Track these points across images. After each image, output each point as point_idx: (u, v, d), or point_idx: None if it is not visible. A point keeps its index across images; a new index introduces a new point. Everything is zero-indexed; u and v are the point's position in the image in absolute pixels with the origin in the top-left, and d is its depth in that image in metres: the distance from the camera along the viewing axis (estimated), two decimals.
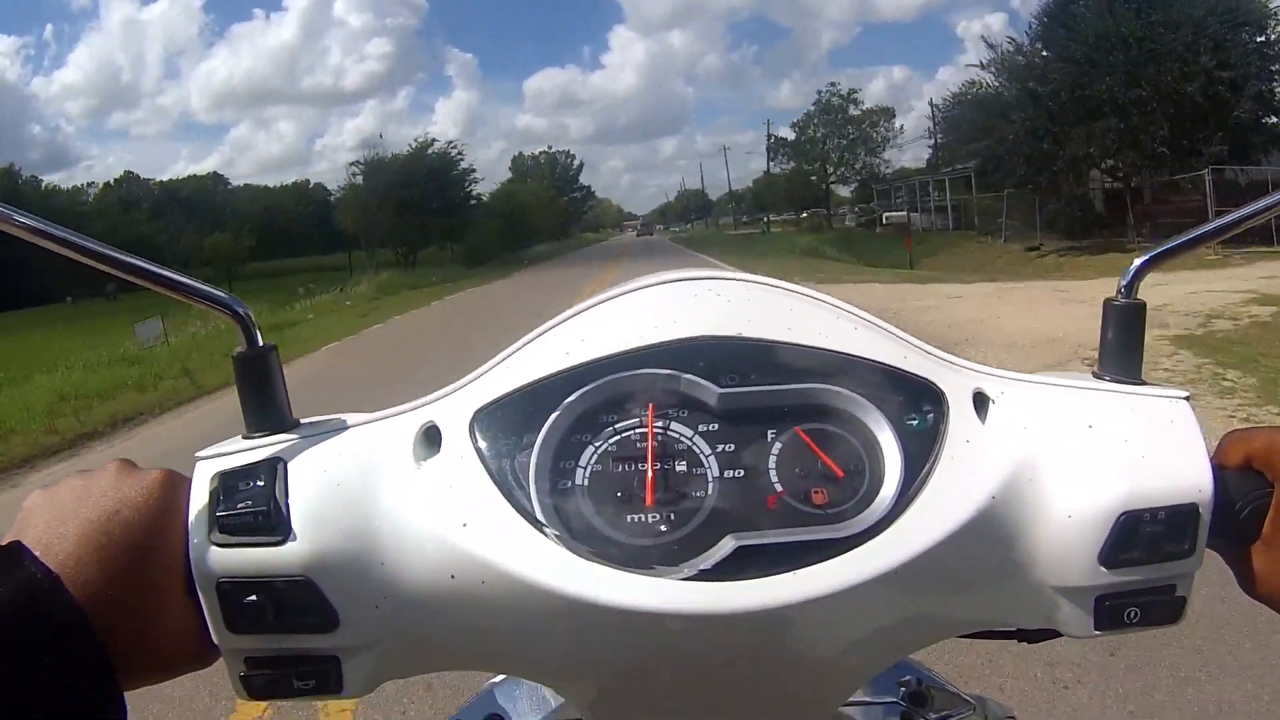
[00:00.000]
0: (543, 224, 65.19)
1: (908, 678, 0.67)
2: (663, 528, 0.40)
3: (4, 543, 0.39)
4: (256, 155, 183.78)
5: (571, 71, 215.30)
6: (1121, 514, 0.42)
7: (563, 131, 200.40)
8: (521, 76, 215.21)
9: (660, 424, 0.43)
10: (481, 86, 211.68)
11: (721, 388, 0.43)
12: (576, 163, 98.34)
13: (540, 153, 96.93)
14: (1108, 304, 0.48)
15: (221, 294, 0.45)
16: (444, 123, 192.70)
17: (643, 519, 0.40)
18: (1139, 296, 0.48)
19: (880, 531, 0.40)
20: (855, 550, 0.39)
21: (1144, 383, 0.47)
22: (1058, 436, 0.44)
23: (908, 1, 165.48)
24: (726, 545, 0.39)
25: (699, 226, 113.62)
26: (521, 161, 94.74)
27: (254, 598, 0.40)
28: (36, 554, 0.38)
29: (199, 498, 0.42)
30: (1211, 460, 0.44)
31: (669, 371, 0.44)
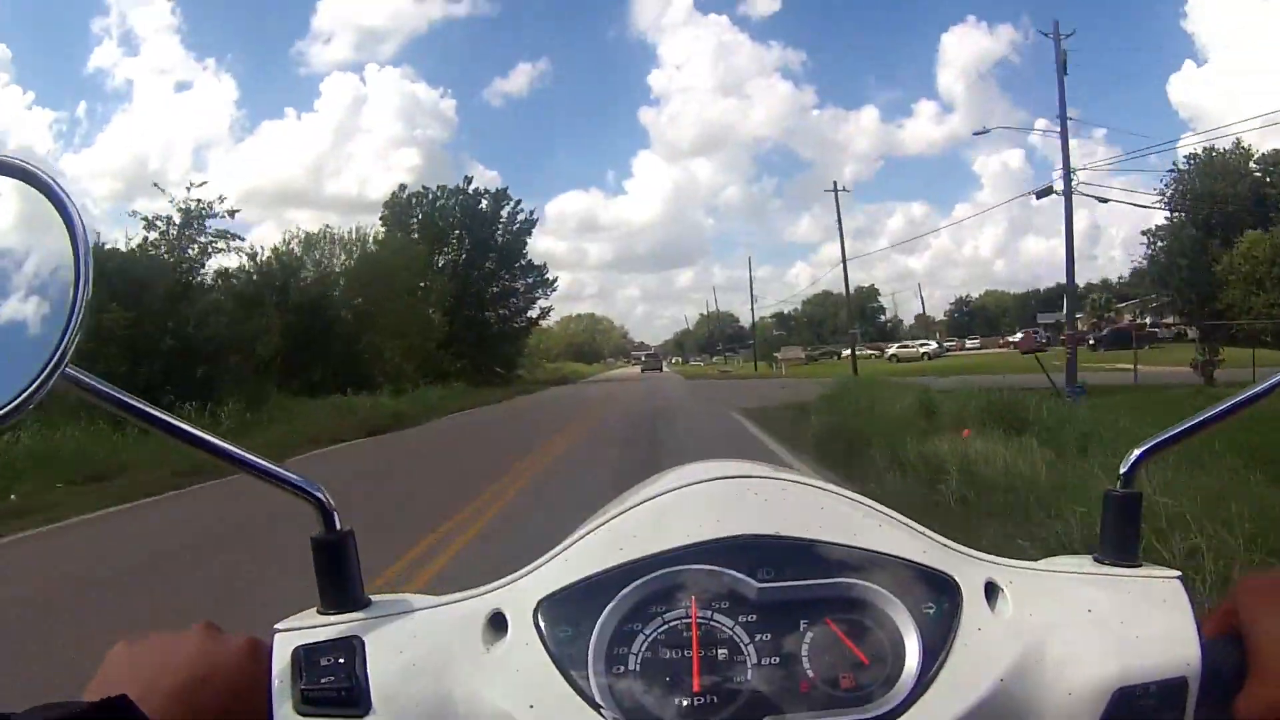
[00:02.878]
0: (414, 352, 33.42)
1: None
2: (707, 710, 0.44)
3: (100, 687, 0.43)
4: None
5: (594, 195, 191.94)
6: (1116, 690, 0.45)
7: (582, 256, 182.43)
8: (543, 198, 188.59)
9: (704, 614, 0.47)
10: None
11: (760, 582, 0.47)
12: (520, 215, 48.04)
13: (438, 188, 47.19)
14: (1108, 494, 0.53)
15: (302, 481, 0.50)
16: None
17: (690, 702, 0.45)
18: (1136, 487, 0.53)
19: (902, 713, 0.44)
20: None
21: (1139, 564, 0.52)
22: (1060, 621, 0.48)
23: (932, 136, 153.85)
24: None
25: (732, 362, 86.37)
26: (400, 205, 45.73)
27: None
28: (139, 707, 0.41)
29: (281, 668, 0.46)
30: (1199, 633, 0.47)
31: (712, 568, 0.48)
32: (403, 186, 47.22)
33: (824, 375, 40.51)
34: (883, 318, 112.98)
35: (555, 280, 49.58)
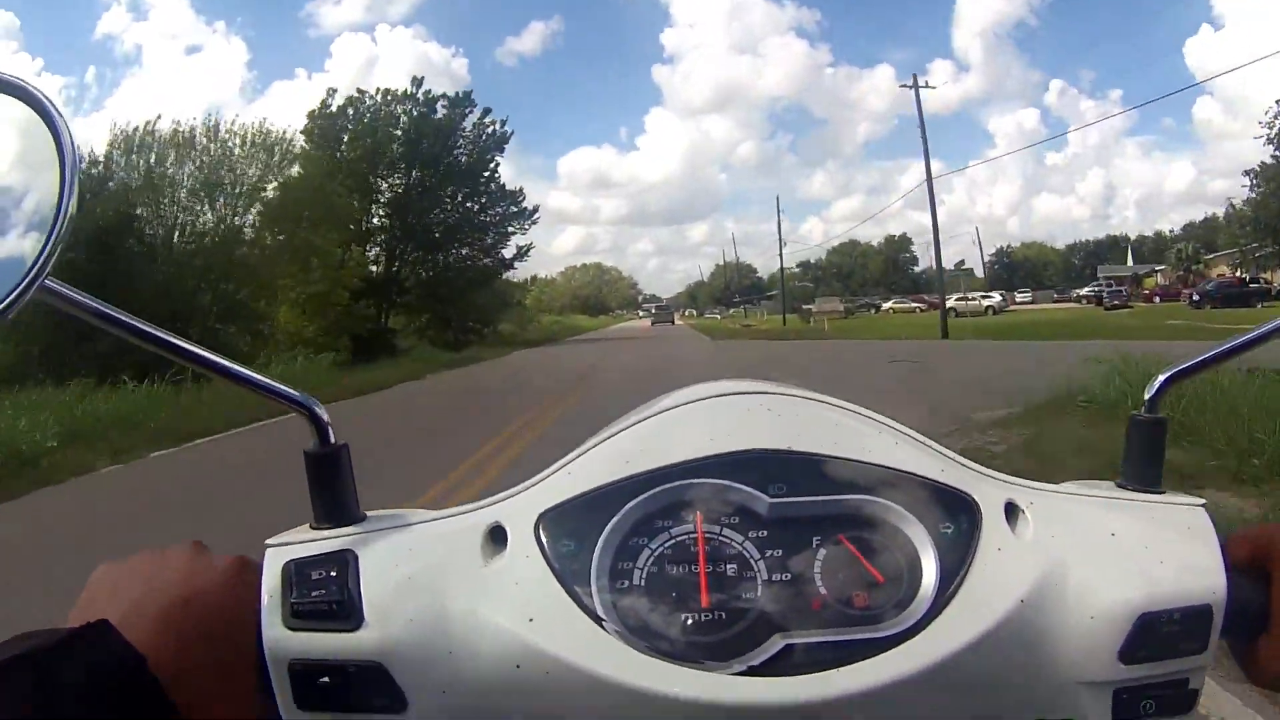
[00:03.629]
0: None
1: None
2: (715, 626, 0.43)
3: (82, 613, 0.42)
4: None
5: (607, 151, 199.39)
6: (1140, 615, 0.45)
7: (595, 212, 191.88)
8: (556, 155, 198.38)
9: (713, 529, 0.45)
10: (517, 160, 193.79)
11: (771, 497, 0.46)
12: (490, 128, 35.73)
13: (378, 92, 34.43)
14: (1133, 418, 0.52)
15: (296, 394, 0.49)
16: None
17: (696, 618, 0.43)
18: (1161, 413, 0.52)
19: (917, 633, 0.43)
20: (894, 650, 0.42)
21: (1163, 491, 0.51)
22: (1082, 544, 0.47)
23: (947, 96, 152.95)
24: (774, 644, 0.42)
25: (753, 315, 75.16)
26: (328, 118, 32.74)
27: (326, 679, 0.44)
28: (121, 632, 0.40)
29: (271, 584, 0.45)
30: (1225, 562, 0.47)
31: (722, 482, 0.47)
32: (331, 91, 34.81)
33: (881, 333, 30.44)
34: (915, 269, 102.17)
35: (535, 211, 37.40)
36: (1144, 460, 0.52)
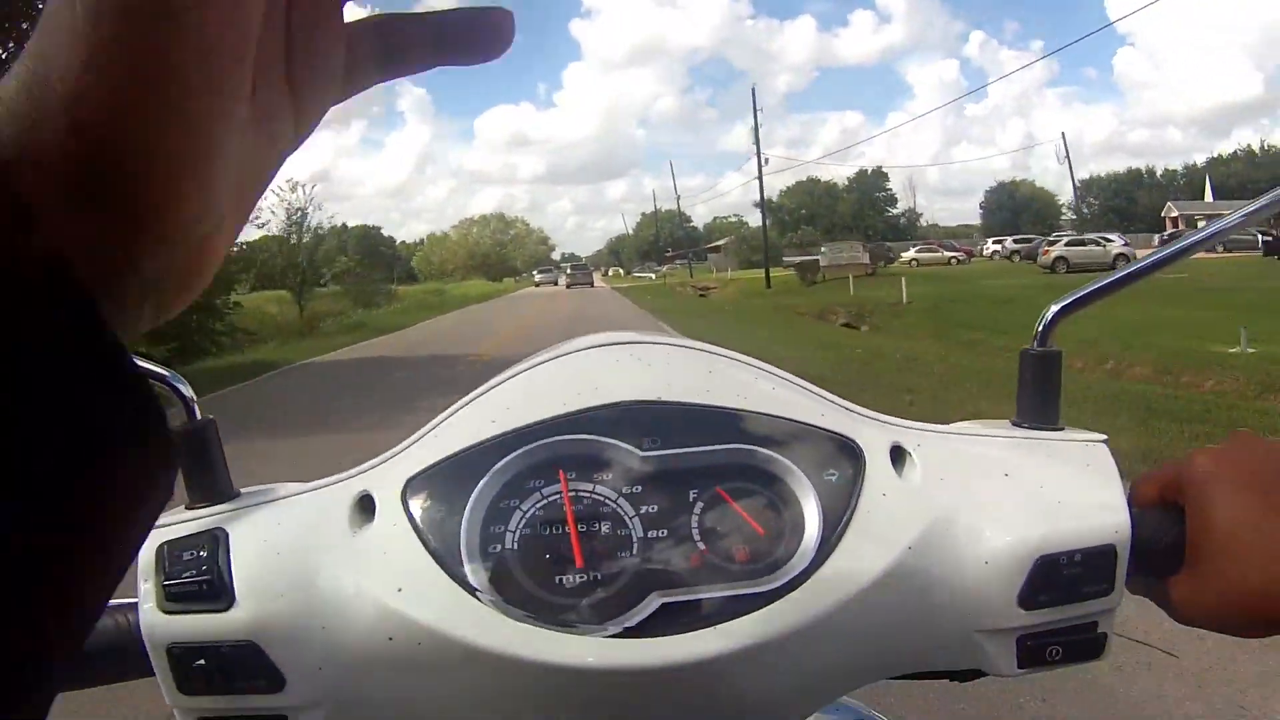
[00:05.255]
0: None
1: (835, 716, 0.67)
2: (590, 588, 0.42)
3: None
4: None
5: (524, 109, 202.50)
6: (1038, 558, 0.43)
7: (512, 171, 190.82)
8: (473, 114, 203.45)
9: (586, 487, 0.44)
10: (434, 123, 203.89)
11: (643, 451, 0.44)
12: None
13: None
14: (1024, 353, 0.50)
15: (159, 369, 0.47)
16: (393, 159, 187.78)
17: (570, 580, 0.42)
18: (1054, 345, 0.49)
19: (800, 585, 0.41)
20: (776, 603, 0.41)
21: (1061, 428, 0.49)
22: (975, 486, 0.45)
23: (867, 47, 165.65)
24: (652, 603, 0.41)
25: (700, 272, 54.13)
26: None
27: (202, 662, 0.42)
28: None
29: (145, 567, 0.44)
30: (1128, 500, 0.45)
31: (591, 437, 0.45)
32: None
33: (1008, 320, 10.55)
34: (893, 210, 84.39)
35: None
36: (1038, 395, 0.49)
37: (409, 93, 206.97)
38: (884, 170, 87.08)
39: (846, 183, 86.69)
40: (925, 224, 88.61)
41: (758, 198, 39.99)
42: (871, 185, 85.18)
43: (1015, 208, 79.07)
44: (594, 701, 0.42)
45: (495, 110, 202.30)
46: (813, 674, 0.44)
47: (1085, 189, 75.56)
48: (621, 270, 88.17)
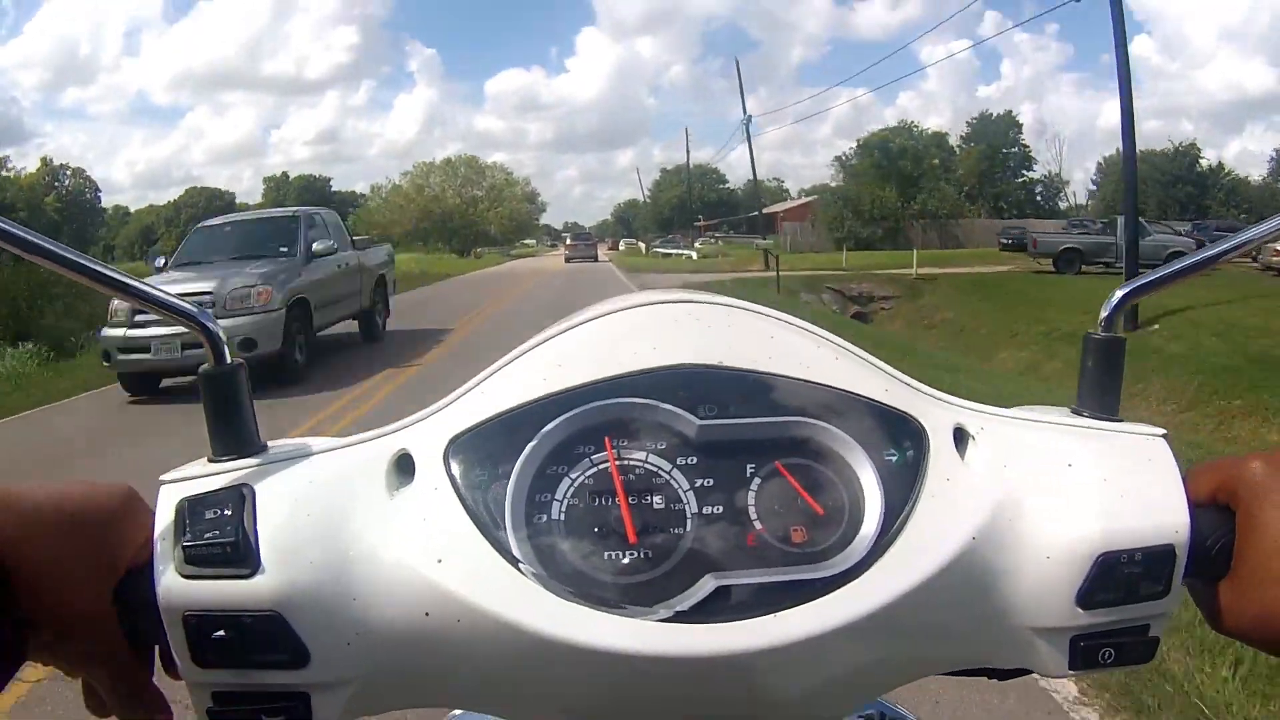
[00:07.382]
0: None
1: (870, 711, 0.66)
2: (640, 566, 0.39)
3: None
4: (209, 144, 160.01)
5: (535, 74, 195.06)
6: (1100, 555, 0.41)
7: (521, 136, 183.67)
8: (484, 77, 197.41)
9: (639, 456, 0.41)
10: (443, 84, 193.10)
11: (701, 419, 0.42)
12: None
13: None
14: (1088, 337, 0.48)
15: (190, 308, 0.44)
16: (401, 120, 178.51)
17: (620, 556, 0.39)
18: (1120, 331, 0.47)
19: (860, 573, 0.39)
20: (834, 593, 0.39)
21: (1120, 419, 0.47)
22: (1037, 475, 0.43)
23: (884, 21, 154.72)
24: (706, 585, 0.38)
25: (737, 248, 32.70)
26: None
27: (221, 632, 0.39)
28: None
29: (164, 525, 0.41)
30: (1188, 499, 0.43)
31: (647, 401, 0.42)
32: None
33: None
34: (1027, 174, 60.66)
35: None
36: (1100, 383, 0.47)
37: (419, 53, 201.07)
38: (1016, 117, 60.67)
39: (959, 139, 61.98)
40: (1071, 198, 63.38)
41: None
42: (998, 135, 59.83)
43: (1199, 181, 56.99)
44: (634, 685, 0.39)
45: (507, 74, 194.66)
46: (862, 668, 0.41)
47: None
48: (641, 245, 62.46)
